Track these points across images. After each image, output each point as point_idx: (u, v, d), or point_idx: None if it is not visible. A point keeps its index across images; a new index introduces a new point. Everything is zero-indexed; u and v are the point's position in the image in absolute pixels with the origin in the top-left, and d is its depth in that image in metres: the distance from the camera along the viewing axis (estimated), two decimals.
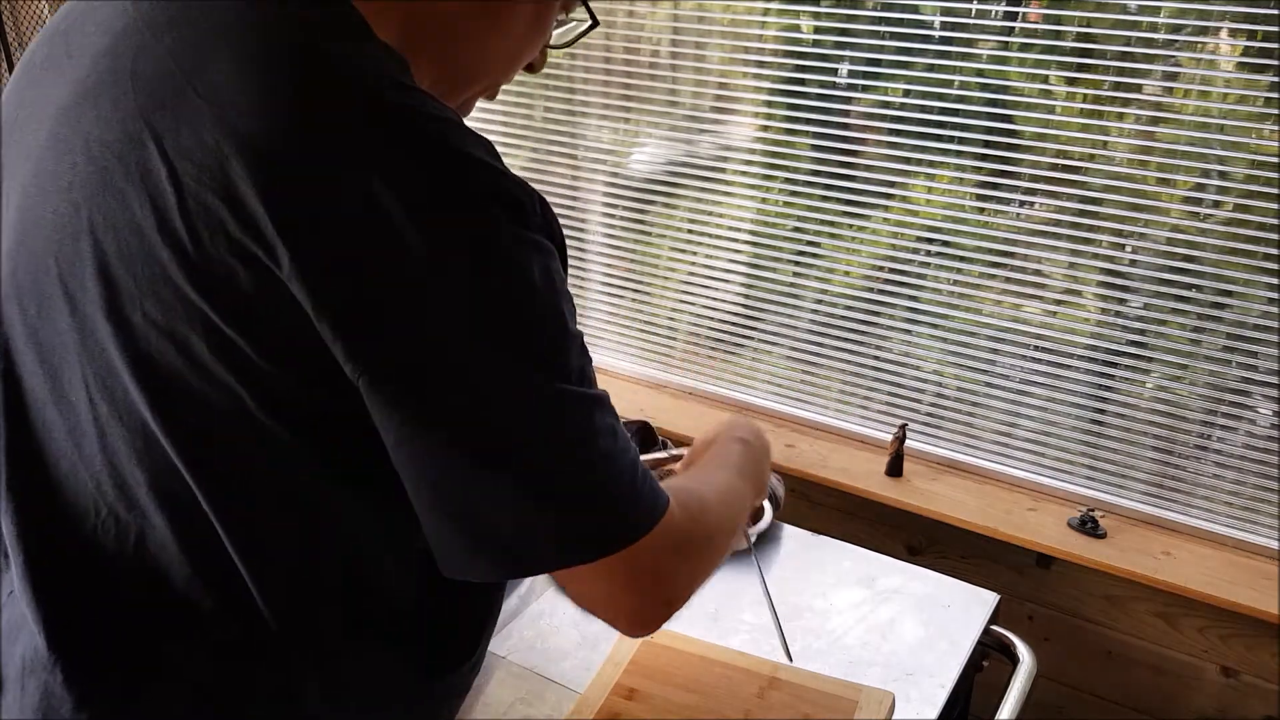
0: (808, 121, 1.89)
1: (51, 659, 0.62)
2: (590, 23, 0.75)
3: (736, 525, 0.79)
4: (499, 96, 0.79)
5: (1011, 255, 1.79)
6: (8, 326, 0.65)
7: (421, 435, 0.56)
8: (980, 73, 1.72)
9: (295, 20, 0.58)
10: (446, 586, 0.63)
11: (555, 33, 0.75)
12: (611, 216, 2.17)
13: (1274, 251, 1.57)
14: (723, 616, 1.27)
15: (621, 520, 0.60)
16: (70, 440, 0.63)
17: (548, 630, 1.24)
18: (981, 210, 1.79)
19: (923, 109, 1.78)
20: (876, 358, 1.97)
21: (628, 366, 2.26)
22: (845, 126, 1.86)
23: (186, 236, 0.55)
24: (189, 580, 0.61)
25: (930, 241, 1.85)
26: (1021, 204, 1.77)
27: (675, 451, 1.16)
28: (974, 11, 1.69)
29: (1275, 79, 1.51)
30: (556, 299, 0.59)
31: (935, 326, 1.89)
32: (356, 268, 0.54)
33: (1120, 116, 1.64)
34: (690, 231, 2.09)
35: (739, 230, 2.03)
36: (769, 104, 1.93)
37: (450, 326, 0.55)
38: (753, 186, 1.99)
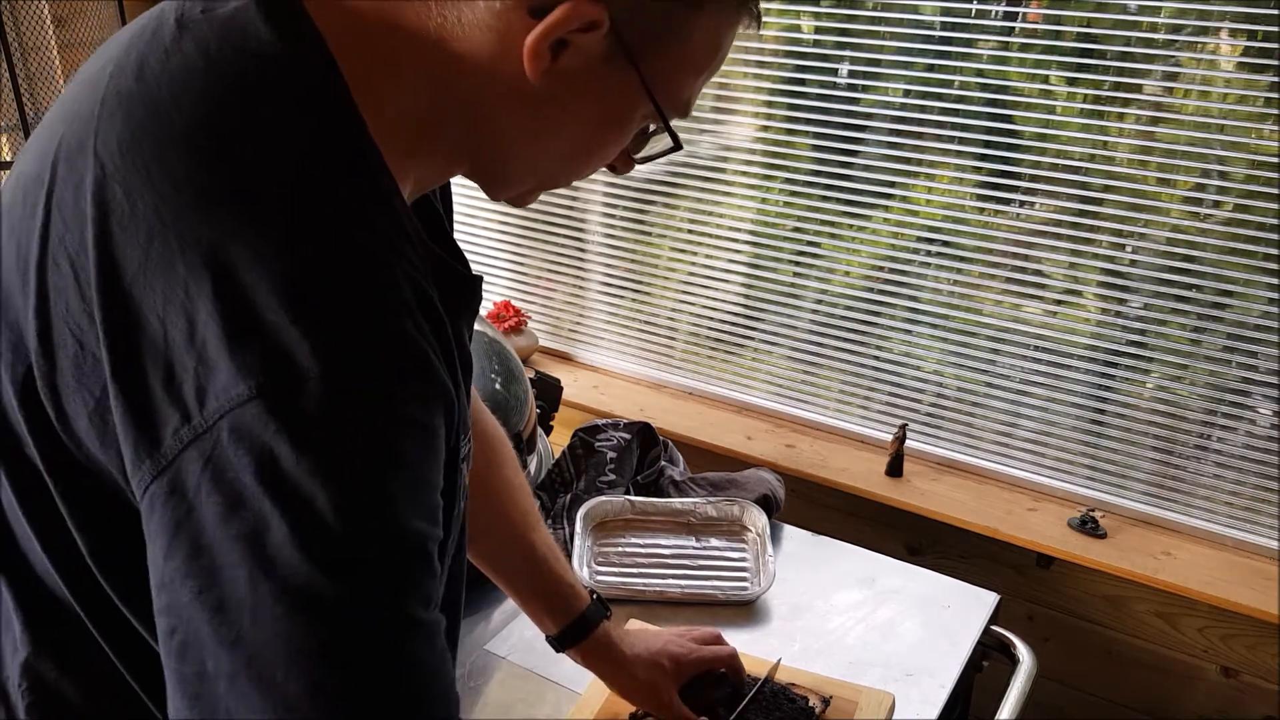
0: (808, 122, 1.89)
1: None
2: (673, 146, 0.65)
3: None
4: None
5: (1011, 255, 1.79)
6: None
7: (168, 585, 0.49)
8: (980, 73, 1.72)
9: (256, 114, 0.52)
10: None
11: (644, 146, 0.67)
12: (611, 216, 2.17)
13: (1274, 251, 1.57)
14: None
15: None
16: None
17: None
18: (981, 210, 1.79)
19: (923, 109, 1.78)
20: (876, 358, 1.97)
21: (628, 366, 2.26)
22: (845, 126, 1.86)
23: (36, 290, 0.53)
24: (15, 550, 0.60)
25: (930, 242, 1.85)
26: (1021, 204, 1.77)
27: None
28: (974, 11, 1.69)
29: (1275, 79, 1.51)
30: (377, 482, 0.49)
31: (935, 326, 1.89)
32: (160, 373, 0.49)
33: (1120, 116, 1.64)
34: (690, 231, 2.09)
35: (739, 230, 2.03)
36: (769, 104, 1.93)
37: (233, 472, 0.47)
38: (753, 186, 1.99)
